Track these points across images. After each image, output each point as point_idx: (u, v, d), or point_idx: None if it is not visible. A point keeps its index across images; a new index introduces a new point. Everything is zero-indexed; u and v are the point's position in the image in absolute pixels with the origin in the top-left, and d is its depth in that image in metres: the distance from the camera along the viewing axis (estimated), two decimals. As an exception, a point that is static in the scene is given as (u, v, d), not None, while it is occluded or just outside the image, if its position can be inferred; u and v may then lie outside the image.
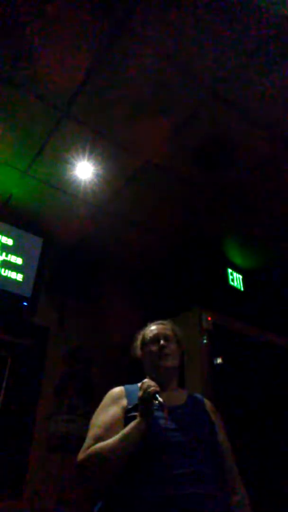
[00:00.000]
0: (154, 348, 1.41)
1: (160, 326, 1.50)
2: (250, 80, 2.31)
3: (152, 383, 1.20)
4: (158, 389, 1.18)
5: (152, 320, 1.60)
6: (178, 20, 2.03)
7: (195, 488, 1.07)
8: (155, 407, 1.17)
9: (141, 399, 1.18)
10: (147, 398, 1.16)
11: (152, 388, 1.17)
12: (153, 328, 1.50)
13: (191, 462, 1.13)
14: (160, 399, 1.15)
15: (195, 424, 1.27)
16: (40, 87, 2.37)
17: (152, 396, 1.16)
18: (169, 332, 1.47)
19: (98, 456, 1.13)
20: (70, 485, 2.97)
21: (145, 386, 1.20)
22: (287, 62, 2.21)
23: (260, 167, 2.92)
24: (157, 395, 1.16)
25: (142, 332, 1.53)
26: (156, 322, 1.53)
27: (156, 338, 1.44)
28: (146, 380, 1.23)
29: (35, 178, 3.03)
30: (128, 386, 1.38)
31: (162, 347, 1.40)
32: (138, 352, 1.50)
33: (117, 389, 1.37)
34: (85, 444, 1.19)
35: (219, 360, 3.40)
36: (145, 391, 1.18)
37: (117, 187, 3.11)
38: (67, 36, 2.11)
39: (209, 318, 3.42)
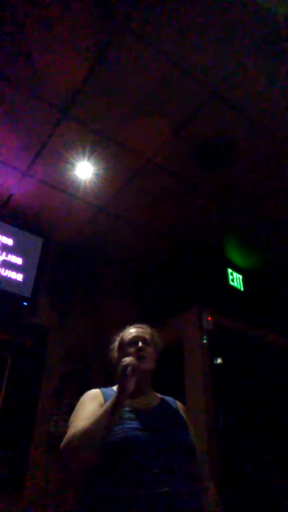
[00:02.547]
0: (131, 350, 1.42)
1: (139, 329, 1.51)
2: (250, 80, 2.31)
3: (129, 358, 1.24)
4: (133, 362, 1.22)
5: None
6: (178, 20, 2.03)
7: (168, 487, 1.10)
8: (127, 409, 1.22)
9: (118, 374, 1.21)
10: (122, 371, 1.20)
11: (126, 361, 1.22)
12: (131, 330, 1.51)
13: (165, 462, 1.16)
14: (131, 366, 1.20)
15: (169, 425, 1.30)
16: (40, 87, 2.37)
17: (125, 368, 1.20)
18: (147, 336, 1.48)
19: (82, 432, 1.14)
20: (70, 485, 2.97)
21: (123, 361, 1.23)
22: (287, 62, 2.21)
23: (260, 167, 2.92)
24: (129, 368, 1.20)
25: (120, 335, 1.54)
26: (135, 325, 1.54)
27: (134, 341, 1.45)
28: (125, 358, 1.27)
29: (35, 178, 3.03)
30: (103, 388, 1.40)
31: (140, 349, 1.41)
32: (115, 354, 1.51)
33: (93, 391, 1.39)
34: (68, 434, 1.20)
35: (219, 360, 3.40)
36: (125, 365, 1.21)
37: (117, 187, 3.11)
38: (67, 36, 2.11)
39: (209, 318, 3.42)
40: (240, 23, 2.03)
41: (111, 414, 1.15)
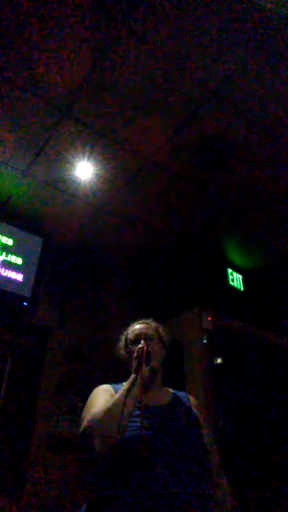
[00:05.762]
0: (135, 348, 1.40)
1: (143, 325, 1.49)
2: (250, 80, 2.31)
3: (141, 344, 1.35)
4: (145, 346, 1.32)
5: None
6: (178, 20, 2.03)
7: (177, 488, 1.08)
8: (137, 405, 1.22)
9: (135, 358, 1.31)
10: (137, 355, 1.30)
11: (139, 346, 1.33)
12: (135, 328, 1.50)
13: (174, 462, 1.14)
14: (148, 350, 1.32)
15: (179, 424, 1.28)
16: (40, 87, 2.37)
17: (142, 352, 1.31)
18: (151, 332, 1.47)
19: (103, 413, 1.15)
20: (70, 485, 2.97)
21: (137, 349, 1.33)
22: (287, 62, 2.21)
23: (260, 167, 2.92)
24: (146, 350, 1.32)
25: (125, 332, 1.53)
26: (139, 322, 1.53)
27: (137, 338, 1.44)
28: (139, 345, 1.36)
29: (35, 178, 3.03)
30: (113, 384, 1.40)
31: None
32: (122, 352, 1.51)
33: (104, 385, 1.39)
34: (86, 419, 1.19)
35: (219, 360, 3.40)
36: (139, 349, 1.32)
37: (117, 187, 3.11)
38: (67, 36, 2.11)
39: (209, 318, 3.42)
40: (240, 23, 2.03)
41: (129, 390, 1.20)
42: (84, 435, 1.14)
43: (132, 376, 1.26)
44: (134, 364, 1.29)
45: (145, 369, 1.28)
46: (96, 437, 1.10)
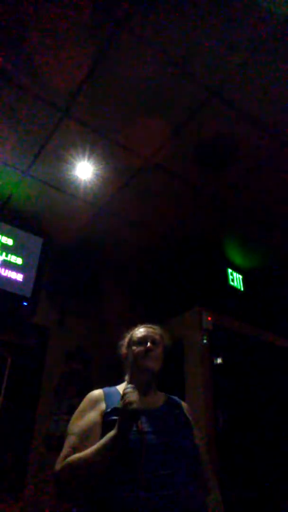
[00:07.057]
0: (140, 348, 1.43)
1: (150, 329, 1.53)
2: (250, 80, 2.31)
3: (134, 397, 1.14)
4: (140, 406, 1.13)
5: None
6: (177, 20, 2.03)
7: (167, 491, 1.09)
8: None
9: (121, 412, 1.14)
10: (127, 416, 1.12)
11: (133, 406, 1.12)
12: (142, 329, 1.52)
13: (165, 464, 1.14)
14: (139, 422, 1.14)
15: (170, 427, 1.29)
16: (40, 87, 2.37)
17: (133, 414, 1.11)
18: (157, 337, 1.50)
19: (74, 469, 1.13)
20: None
21: (126, 399, 1.14)
22: (287, 62, 2.21)
23: (260, 167, 2.92)
24: (137, 416, 1.12)
25: (130, 332, 1.55)
26: (145, 325, 1.55)
27: (144, 339, 1.46)
28: (129, 389, 1.18)
29: (35, 178, 3.03)
30: (106, 389, 1.39)
31: (149, 349, 1.42)
32: (123, 350, 1.52)
33: (96, 393, 1.37)
34: (63, 453, 1.19)
35: (219, 360, 3.40)
36: (126, 406, 1.13)
37: (117, 187, 3.11)
38: (67, 36, 2.11)
39: (209, 318, 3.42)
40: (240, 23, 2.03)
41: (109, 451, 1.12)
42: (59, 478, 1.14)
43: (116, 432, 1.12)
44: (121, 419, 1.13)
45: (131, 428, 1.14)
46: (68, 487, 1.14)
